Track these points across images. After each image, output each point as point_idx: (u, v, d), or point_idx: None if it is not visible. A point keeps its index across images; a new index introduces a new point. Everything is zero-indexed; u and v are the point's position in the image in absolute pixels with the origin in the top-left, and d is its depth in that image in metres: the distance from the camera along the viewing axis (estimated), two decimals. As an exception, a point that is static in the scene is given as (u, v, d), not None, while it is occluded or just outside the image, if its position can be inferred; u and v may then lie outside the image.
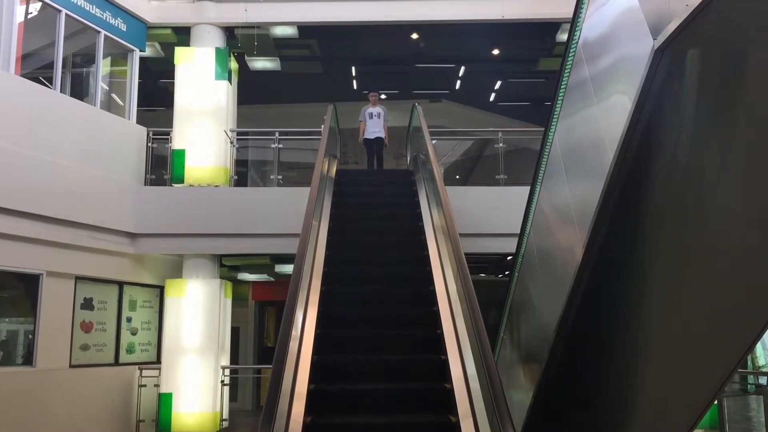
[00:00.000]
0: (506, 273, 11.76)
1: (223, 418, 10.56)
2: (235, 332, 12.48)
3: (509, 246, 7.52)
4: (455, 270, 5.63)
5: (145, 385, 10.46)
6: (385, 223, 8.51)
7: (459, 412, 4.73)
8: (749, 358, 11.47)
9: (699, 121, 3.43)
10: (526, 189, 6.31)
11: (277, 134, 11.27)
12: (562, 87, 5.11)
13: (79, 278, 9.57)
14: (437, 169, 7.47)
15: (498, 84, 15.79)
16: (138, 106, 11.02)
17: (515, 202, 7.44)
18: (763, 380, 8.30)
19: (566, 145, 5.06)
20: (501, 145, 10.97)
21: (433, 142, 8.74)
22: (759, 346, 13.13)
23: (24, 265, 8.66)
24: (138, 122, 10.90)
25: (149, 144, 10.85)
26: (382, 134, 11.47)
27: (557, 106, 5.25)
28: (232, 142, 11.14)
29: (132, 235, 10.22)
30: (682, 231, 3.63)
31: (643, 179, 3.82)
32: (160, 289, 11.03)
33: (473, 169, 15.28)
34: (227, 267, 12.50)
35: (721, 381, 3.71)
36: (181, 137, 10.74)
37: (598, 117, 4.11)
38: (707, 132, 3.39)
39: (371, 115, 11.46)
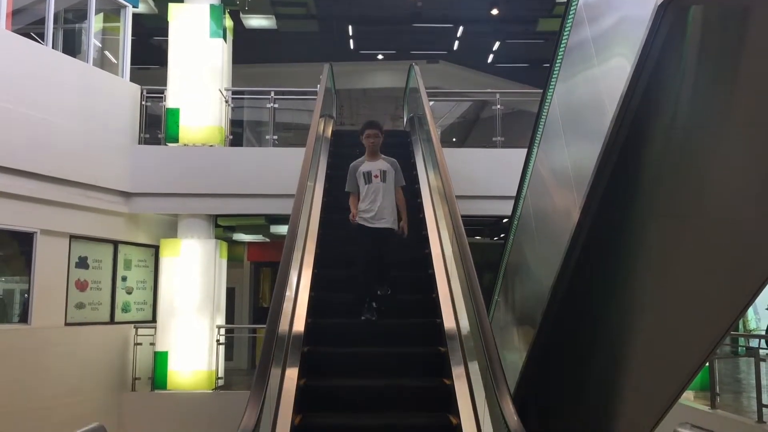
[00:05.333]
0: (501, 236, 11.77)
1: (219, 376, 10.65)
2: (230, 293, 12.52)
3: (505, 208, 7.51)
4: (451, 231, 5.63)
5: (140, 344, 10.53)
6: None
7: (454, 374, 4.78)
8: (741, 321, 11.59)
9: (699, 82, 3.39)
10: (523, 151, 6.27)
11: (272, 94, 11.15)
12: (562, 48, 5.03)
13: (73, 237, 9.55)
14: (434, 130, 7.41)
15: (496, 45, 15.63)
16: (131, 64, 10.87)
17: (512, 164, 7.40)
18: (754, 343, 8.39)
19: (565, 106, 5.01)
20: (498, 107, 10.88)
21: (431, 103, 8.66)
22: (750, 310, 13.27)
23: (18, 223, 8.62)
24: (131, 80, 10.76)
25: (143, 102, 10.73)
26: (394, 221, 5.82)
27: (556, 67, 5.18)
28: (227, 101, 11.02)
29: (126, 195, 10.18)
30: (679, 193, 3.62)
31: (642, 141, 3.79)
32: (155, 249, 11.03)
33: (470, 132, 15.21)
34: (222, 227, 12.49)
35: (713, 343, 3.74)
36: (175, 96, 10.60)
37: (598, 78, 4.05)
38: (707, 94, 3.35)
39: (368, 177, 5.83)
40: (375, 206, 5.71)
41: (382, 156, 6.03)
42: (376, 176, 5.81)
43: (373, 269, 5.83)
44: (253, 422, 3.21)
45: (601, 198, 4.03)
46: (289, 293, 5.06)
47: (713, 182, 3.39)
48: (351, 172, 5.94)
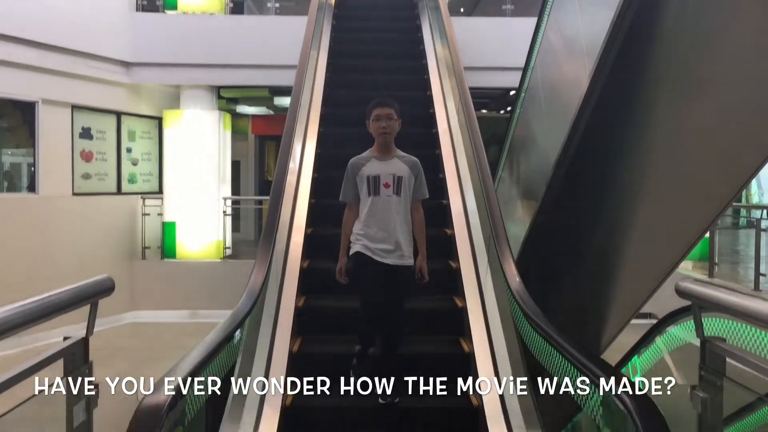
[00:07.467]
0: (508, 109, 11.63)
1: (227, 246, 10.89)
2: (235, 166, 12.56)
3: (513, 80, 7.36)
4: (458, 103, 5.55)
5: (148, 214, 10.70)
6: (386, 49, 8.30)
7: (455, 229, 4.87)
8: (743, 194, 11.62)
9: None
10: (534, 20, 6.05)
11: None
12: None
13: (75, 107, 9.47)
14: (442, -4, 7.14)
15: None
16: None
17: (521, 34, 7.17)
18: (756, 214, 8.46)
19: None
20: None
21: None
22: (754, 183, 13.30)
23: (18, 92, 8.53)
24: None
25: (137, -35, 10.30)
26: (410, 258, 3.70)
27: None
28: (226, -34, 10.58)
29: (127, 64, 9.99)
30: (693, 58, 3.52)
31: (657, 2, 3.65)
32: (159, 121, 10.96)
33: (479, 1, 14.67)
34: (225, 99, 12.34)
35: (714, 214, 3.76)
36: (171, -41, 10.17)
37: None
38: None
39: (375, 186, 3.69)
40: (383, 232, 3.63)
41: (398, 153, 3.79)
42: (386, 185, 3.67)
43: (369, 340, 3.82)
44: (263, 274, 3.29)
45: (612, 62, 3.92)
46: (293, 165, 5.06)
47: (729, 45, 3.28)
48: (350, 172, 3.77)
